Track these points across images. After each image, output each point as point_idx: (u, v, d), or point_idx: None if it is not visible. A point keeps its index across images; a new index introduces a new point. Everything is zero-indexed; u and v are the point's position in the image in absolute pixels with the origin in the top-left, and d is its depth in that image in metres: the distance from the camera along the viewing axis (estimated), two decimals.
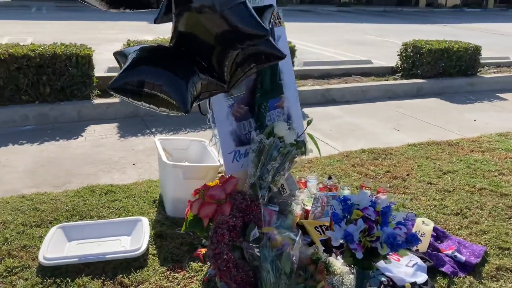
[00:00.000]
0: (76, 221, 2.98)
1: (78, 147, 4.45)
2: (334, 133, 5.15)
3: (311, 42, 11.65)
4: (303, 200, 2.98)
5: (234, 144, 2.83)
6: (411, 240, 2.16)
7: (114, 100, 5.51)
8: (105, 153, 4.31)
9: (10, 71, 5.04)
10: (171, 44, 2.29)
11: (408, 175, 3.85)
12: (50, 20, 14.52)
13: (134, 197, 3.35)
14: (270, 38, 2.42)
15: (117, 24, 13.32)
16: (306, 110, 6.01)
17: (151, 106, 2.17)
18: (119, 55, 2.25)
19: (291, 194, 3.02)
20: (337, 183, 3.29)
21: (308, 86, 6.61)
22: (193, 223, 2.43)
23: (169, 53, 2.25)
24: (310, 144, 2.98)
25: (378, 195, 3.06)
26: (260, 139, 2.72)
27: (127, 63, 2.15)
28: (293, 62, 6.28)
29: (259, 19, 2.23)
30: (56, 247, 2.63)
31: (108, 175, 3.83)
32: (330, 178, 3.25)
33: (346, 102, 6.52)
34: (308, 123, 2.94)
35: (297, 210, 2.86)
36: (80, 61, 5.33)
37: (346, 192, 3.07)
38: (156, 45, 2.28)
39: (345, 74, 7.49)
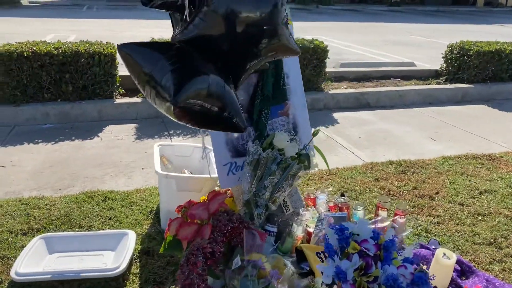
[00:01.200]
0: (64, 230, 2.81)
1: (91, 148, 4.32)
2: (362, 140, 4.75)
3: (353, 42, 11.16)
4: (307, 221, 2.64)
5: (230, 155, 2.55)
6: (418, 282, 1.79)
7: (136, 100, 5.37)
8: (117, 155, 4.15)
9: (33, 69, 5.00)
10: (176, 44, 1.98)
11: (437, 193, 3.41)
12: (98, 18, 14.78)
13: (131, 206, 3.14)
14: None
15: (161, 23, 13.36)
16: (337, 115, 5.64)
17: (205, 127, 1.92)
18: (138, 48, 1.82)
19: (295, 212, 2.70)
20: (350, 201, 2.93)
21: (341, 89, 6.21)
22: (171, 244, 2.16)
23: (182, 48, 1.91)
24: (317, 158, 2.63)
25: (395, 218, 2.68)
26: (255, 150, 2.42)
27: (178, 71, 1.78)
28: (324, 63, 5.92)
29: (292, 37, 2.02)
30: (34, 259, 2.45)
31: (114, 180, 3.65)
32: (342, 195, 2.90)
33: (381, 107, 6.07)
34: (314, 134, 2.60)
35: (298, 232, 2.53)
36: (103, 59, 5.22)
37: (359, 213, 2.71)
38: (178, 46, 1.95)
39: (384, 76, 7.01)
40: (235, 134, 2.55)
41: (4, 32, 9.75)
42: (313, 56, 5.82)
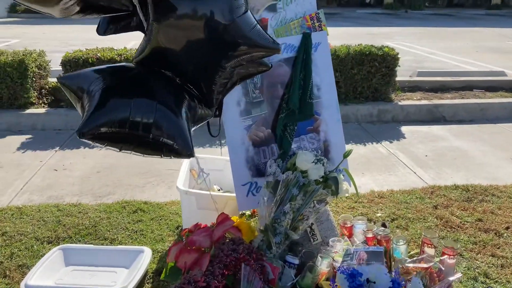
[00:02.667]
0: (88, 241, 2.75)
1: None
2: (429, 159, 4.25)
3: (438, 48, 10.34)
4: (337, 253, 2.33)
5: (250, 174, 2.32)
6: None
7: None
8: (164, 164, 4.08)
9: None
10: (135, 63, 1.86)
11: (507, 228, 2.89)
12: None
13: (160, 219, 3.02)
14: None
15: None
16: (405, 129, 5.15)
17: (134, 152, 1.77)
18: (69, 81, 1.85)
19: (324, 242, 2.40)
20: (392, 232, 2.56)
21: (414, 100, 5.69)
22: (172, 271, 1.98)
23: (149, 76, 1.82)
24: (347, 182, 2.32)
25: (443, 258, 2.28)
26: (274, 171, 2.17)
27: (95, 96, 1.75)
28: (394, 71, 5.46)
29: (266, 32, 1.75)
30: (49, 271, 2.40)
31: (154, 189, 3.58)
32: (384, 225, 2.53)
33: (458, 121, 5.45)
34: (346, 155, 2.28)
35: (323, 266, 2.23)
36: None
37: (401, 247, 2.34)
38: (121, 65, 1.87)
39: (465, 87, 6.33)
40: (255, 151, 2.31)
41: (90, 38, 10.34)
42: (382, 64, 5.39)
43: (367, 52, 5.32)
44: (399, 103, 5.51)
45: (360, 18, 18.75)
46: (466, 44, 11.36)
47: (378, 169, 4.02)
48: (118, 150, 1.74)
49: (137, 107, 1.67)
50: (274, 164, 2.23)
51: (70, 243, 2.72)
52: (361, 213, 3.10)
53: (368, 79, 5.44)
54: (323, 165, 2.20)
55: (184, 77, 1.84)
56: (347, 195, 2.31)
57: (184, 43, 1.74)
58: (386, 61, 5.38)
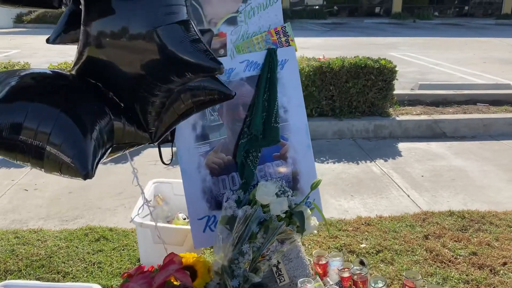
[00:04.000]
0: (39, 275, 2.51)
1: (119, 174, 4.06)
2: (425, 180, 3.96)
3: (444, 59, 10.04)
4: None
5: (207, 206, 2.07)
6: None
7: None
8: (142, 183, 3.84)
9: None
10: (73, 72, 1.64)
11: (504, 264, 2.60)
12: None
13: (123, 249, 2.78)
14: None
15: None
16: (402, 146, 4.86)
17: (31, 164, 1.54)
18: None
19: (292, 283, 2.13)
20: (370, 272, 2.28)
21: (413, 114, 5.40)
22: None
23: (69, 84, 1.60)
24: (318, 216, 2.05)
25: None
26: (229, 205, 1.91)
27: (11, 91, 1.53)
28: (392, 85, 5.19)
29: (206, 46, 1.49)
30: None
31: (125, 213, 3.33)
32: (362, 263, 2.25)
33: (459, 137, 5.15)
34: (313, 187, 2.01)
35: None
36: None
37: None
38: (51, 71, 1.64)
39: (469, 101, 6.03)
40: (213, 181, 2.06)
41: None
42: (379, 77, 5.12)
43: (363, 65, 5.06)
44: (397, 118, 5.23)
45: (367, 28, 18.49)
46: (474, 55, 11.04)
47: (369, 191, 3.74)
48: (14, 161, 1.52)
49: (34, 112, 1.44)
50: (232, 196, 1.98)
51: (19, 277, 2.49)
52: (344, 243, 2.82)
53: (364, 93, 5.17)
54: (287, 197, 1.94)
55: (116, 92, 1.60)
56: (315, 232, 2.04)
57: (108, 52, 1.51)
58: (383, 74, 5.12)
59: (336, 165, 4.31)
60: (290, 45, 2.10)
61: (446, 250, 2.73)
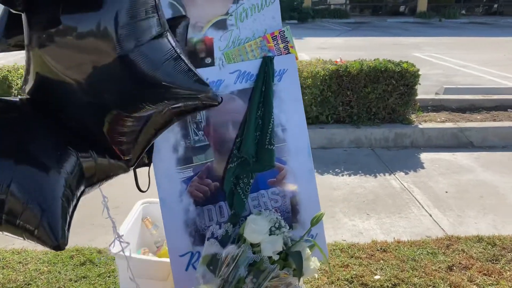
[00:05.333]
0: None
1: (124, 184, 3.81)
2: (449, 197, 3.59)
3: (472, 61, 9.53)
4: None
5: (190, 241, 1.78)
6: None
7: None
8: (142, 195, 3.59)
9: None
10: (25, 96, 1.36)
11: None
12: None
13: (109, 276, 2.52)
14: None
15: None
16: (425, 156, 4.49)
17: None
18: None
19: None
20: None
21: (437, 122, 5.01)
22: None
23: (20, 116, 1.32)
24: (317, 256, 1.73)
25: None
26: (211, 243, 1.62)
27: None
28: (414, 90, 4.81)
29: (188, 65, 1.21)
30: None
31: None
32: None
33: (488, 147, 4.73)
34: (314, 222, 1.69)
35: None
36: None
37: None
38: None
39: (499, 106, 5.59)
40: (198, 211, 1.77)
41: None
42: (400, 82, 4.75)
43: (383, 69, 4.70)
44: (420, 125, 4.85)
45: (389, 27, 17.95)
46: (503, 56, 10.46)
47: (387, 209, 3.40)
48: None
49: None
50: (219, 231, 1.68)
51: None
52: (356, 274, 2.50)
53: (384, 99, 4.80)
54: (283, 235, 1.63)
55: (79, 118, 1.33)
56: (316, 275, 1.72)
57: (69, 71, 1.23)
58: (404, 78, 4.74)
59: (352, 178, 3.97)
60: (289, 53, 1.79)
61: (473, 285, 2.38)
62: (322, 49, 11.12)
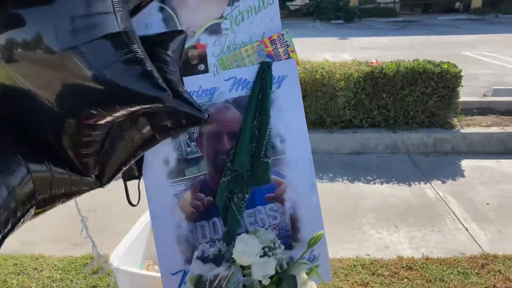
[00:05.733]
0: None
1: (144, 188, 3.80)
2: (491, 209, 3.30)
3: None
4: None
5: (182, 259, 1.67)
6: None
7: None
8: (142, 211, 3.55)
9: None
10: None
11: None
12: None
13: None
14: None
15: (307, 41, 12.71)
16: (466, 164, 4.18)
17: None
18: None
19: None
20: None
21: (481, 126, 4.66)
22: None
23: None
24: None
25: None
26: (196, 264, 1.51)
27: None
28: (456, 92, 4.51)
29: (147, 67, 1.12)
30: None
31: None
32: None
33: None
34: (311, 244, 1.55)
35: None
36: None
37: None
38: None
39: None
40: (190, 227, 1.67)
41: None
42: (440, 84, 4.46)
43: (421, 70, 4.43)
44: (462, 130, 4.53)
45: (440, 25, 17.22)
46: None
47: (419, 221, 3.16)
48: None
49: None
50: (210, 250, 1.57)
51: None
52: None
53: (423, 102, 4.53)
54: (275, 257, 1.50)
55: (38, 127, 1.26)
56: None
57: (19, 74, 1.17)
58: (445, 79, 4.45)
59: (384, 187, 3.75)
60: (290, 57, 1.65)
61: None
62: (365, 49, 10.79)
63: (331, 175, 3.97)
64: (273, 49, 1.63)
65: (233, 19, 1.61)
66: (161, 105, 1.10)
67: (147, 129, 1.35)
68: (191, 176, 1.64)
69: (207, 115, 1.35)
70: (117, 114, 1.15)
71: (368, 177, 3.93)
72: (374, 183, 3.82)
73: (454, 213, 3.25)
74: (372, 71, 4.48)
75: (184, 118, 1.35)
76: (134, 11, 1.41)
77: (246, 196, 1.62)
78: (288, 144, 1.65)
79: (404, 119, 4.61)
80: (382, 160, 4.34)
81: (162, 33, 1.52)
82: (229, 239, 1.61)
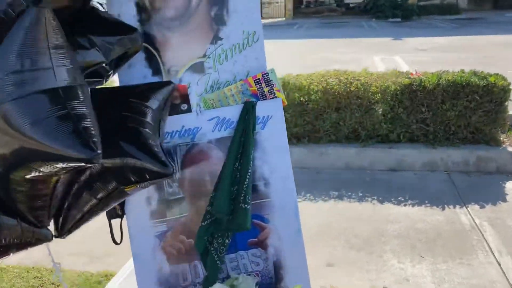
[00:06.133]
0: None
1: None
2: None
3: None
4: None
5: None
6: None
7: None
8: None
9: None
10: None
11: None
12: (300, 39, 14.49)
13: None
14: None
15: (359, 42, 12.38)
16: (511, 186, 3.87)
17: None
18: None
19: None
20: None
21: None
22: None
23: None
24: None
25: None
26: None
27: None
28: (505, 106, 4.21)
29: (83, 125, 1.10)
30: None
31: None
32: None
33: None
34: None
35: None
36: None
37: None
38: None
39: None
40: (171, 270, 1.64)
41: None
42: (485, 98, 4.16)
43: (464, 83, 4.15)
44: (510, 148, 4.20)
45: (507, 22, 16.16)
46: None
47: (447, 251, 2.96)
48: None
49: None
50: None
51: None
52: None
53: (466, 117, 4.24)
54: None
55: None
56: None
57: None
58: (491, 93, 4.14)
59: (415, 209, 3.55)
60: (275, 97, 1.58)
61: None
62: (419, 51, 10.34)
63: (361, 194, 3.81)
64: (257, 89, 1.56)
65: (216, 57, 1.56)
66: (89, 164, 1.07)
67: (112, 183, 1.33)
68: (172, 217, 1.61)
69: (172, 170, 1.31)
70: (51, 170, 1.13)
71: (399, 198, 3.74)
72: (404, 205, 3.63)
73: (488, 244, 3.01)
74: (411, 83, 4.26)
75: (148, 173, 1.31)
76: (121, 59, 1.40)
77: (227, 241, 1.57)
78: (272, 187, 1.58)
79: (445, 134, 4.35)
80: (418, 179, 4.11)
81: (149, 84, 1.51)
82: (209, 284, 1.57)
